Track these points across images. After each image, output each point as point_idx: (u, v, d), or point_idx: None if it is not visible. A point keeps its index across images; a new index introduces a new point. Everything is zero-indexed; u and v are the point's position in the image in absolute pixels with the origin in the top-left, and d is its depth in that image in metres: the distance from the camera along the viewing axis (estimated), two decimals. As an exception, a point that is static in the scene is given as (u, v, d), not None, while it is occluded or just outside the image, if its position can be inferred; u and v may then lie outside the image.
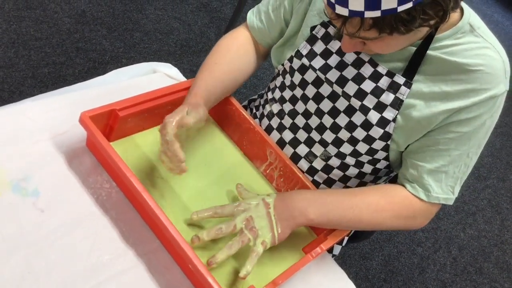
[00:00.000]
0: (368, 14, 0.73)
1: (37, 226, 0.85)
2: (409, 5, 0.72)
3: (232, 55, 1.10)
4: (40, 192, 0.89)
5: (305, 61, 1.03)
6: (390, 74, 0.95)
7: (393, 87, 0.95)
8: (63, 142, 0.97)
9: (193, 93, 0.99)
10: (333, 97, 1.01)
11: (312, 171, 1.10)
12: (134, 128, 1.02)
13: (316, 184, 1.11)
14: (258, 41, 1.16)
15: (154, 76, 1.19)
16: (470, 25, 0.92)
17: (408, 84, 0.94)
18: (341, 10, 0.75)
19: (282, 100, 1.11)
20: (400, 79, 0.94)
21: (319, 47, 1.02)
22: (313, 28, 1.03)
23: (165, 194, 0.98)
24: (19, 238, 0.82)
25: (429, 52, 0.92)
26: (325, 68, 1.01)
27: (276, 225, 0.93)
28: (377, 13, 0.73)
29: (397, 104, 0.95)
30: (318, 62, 1.02)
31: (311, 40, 1.03)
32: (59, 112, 1.01)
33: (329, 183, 1.11)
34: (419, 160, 0.97)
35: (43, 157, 0.93)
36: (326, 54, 1.01)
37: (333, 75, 1.00)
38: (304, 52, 1.04)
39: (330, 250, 1.23)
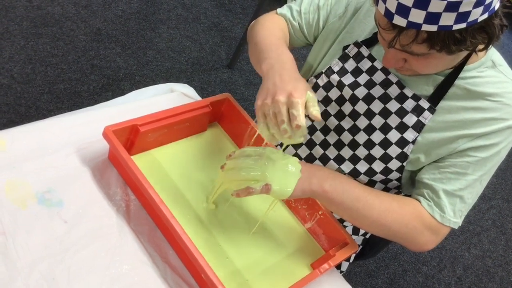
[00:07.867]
0: (425, 27, 0.77)
1: (61, 236, 0.88)
2: (463, 25, 0.77)
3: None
4: (64, 204, 0.92)
5: (334, 77, 1.07)
6: (416, 97, 0.99)
7: (417, 110, 0.99)
8: (86, 155, 1.01)
9: (296, 71, 0.95)
10: (354, 115, 1.05)
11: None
12: (154, 143, 1.07)
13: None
14: (292, 41, 1.16)
15: (172, 95, 1.23)
16: (492, 61, 0.97)
17: (432, 110, 0.98)
18: (399, 21, 0.79)
19: None
20: (425, 104, 0.98)
21: (350, 65, 1.06)
22: (345, 47, 1.07)
23: (181, 205, 1.02)
24: (43, 248, 0.86)
25: (455, 81, 0.96)
26: (354, 85, 1.05)
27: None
28: (433, 28, 0.77)
29: (418, 126, 0.99)
30: (348, 79, 1.06)
31: (343, 58, 1.07)
32: (81, 128, 1.05)
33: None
34: (436, 182, 0.99)
35: (66, 170, 0.97)
36: (356, 72, 1.06)
37: (361, 92, 1.04)
38: (336, 69, 1.08)
39: (338, 267, 1.25)
